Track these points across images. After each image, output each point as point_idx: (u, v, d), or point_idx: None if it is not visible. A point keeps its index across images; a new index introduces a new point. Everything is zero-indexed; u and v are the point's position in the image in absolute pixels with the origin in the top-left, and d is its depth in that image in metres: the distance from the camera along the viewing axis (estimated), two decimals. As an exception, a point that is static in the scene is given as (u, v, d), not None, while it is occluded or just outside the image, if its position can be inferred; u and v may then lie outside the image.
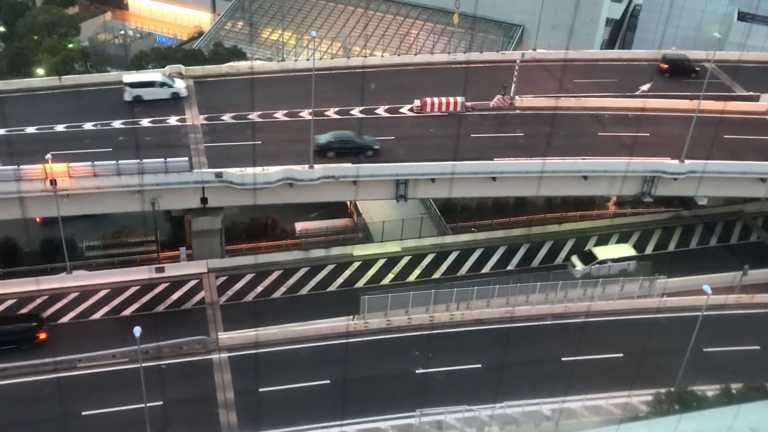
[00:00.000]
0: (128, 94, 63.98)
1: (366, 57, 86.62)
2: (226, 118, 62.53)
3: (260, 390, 47.93)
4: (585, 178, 59.18)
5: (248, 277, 59.08)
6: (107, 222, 65.72)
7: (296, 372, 49.95)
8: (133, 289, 57.17)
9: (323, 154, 57.79)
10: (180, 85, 65.43)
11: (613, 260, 61.75)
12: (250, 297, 57.63)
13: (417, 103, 64.66)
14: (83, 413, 46.42)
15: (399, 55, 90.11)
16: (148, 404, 41.70)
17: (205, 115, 62.58)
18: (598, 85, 69.66)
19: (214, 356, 50.93)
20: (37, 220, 65.92)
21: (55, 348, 50.32)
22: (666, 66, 74.52)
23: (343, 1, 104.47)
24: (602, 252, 62.72)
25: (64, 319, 54.45)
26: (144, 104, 63.61)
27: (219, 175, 55.36)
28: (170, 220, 66.43)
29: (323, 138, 58.49)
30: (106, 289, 57.06)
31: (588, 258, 62.43)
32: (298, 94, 62.52)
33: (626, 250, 63.96)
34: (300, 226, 67.04)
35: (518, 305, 55.73)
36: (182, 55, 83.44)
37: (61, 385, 47.77)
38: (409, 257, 63.30)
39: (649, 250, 66.62)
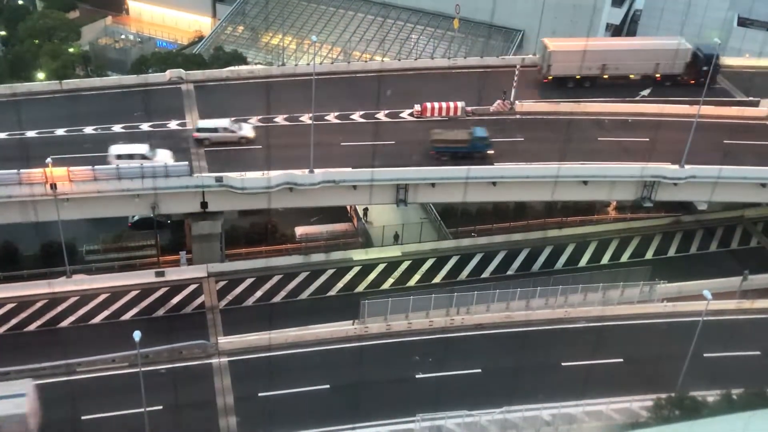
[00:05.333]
0: None
1: (366, 62, 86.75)
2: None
3: (260, 395, 47.87)
4: (585, 183, 59.18)
5: (248, 281, 59.00)
6: (107, 225, 65.75)
7: (296, 377, 49.85)
8: (132, 293, 57.04)
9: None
10: None
11: None
12: (250, 301, 57.54)
13: (417, 107, 64.67)
14: (83, 417, 46.32)
15: (399, 59, 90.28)
16: (148, 409, 41.67)
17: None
18: (598, 89, 69.63)
19: (214, 361, 50.84)
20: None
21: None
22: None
23: (344, 5, 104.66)
24: None
25: (64, 323, 54.33)
26: None
27: (219, 179, 55.40)
28: (170, 224, 66.42)
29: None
30: (105, 293, 56.96)
31: None
32: (299, 98, 62.57)
33: None
34: (300, 230, 67.12)
35: (518, 310, 55.67)
36: (183, 59, 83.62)
37: (60, 389, 47.67)
38: (409, 262, 63.21)
39: (649, 254, 66.59)
